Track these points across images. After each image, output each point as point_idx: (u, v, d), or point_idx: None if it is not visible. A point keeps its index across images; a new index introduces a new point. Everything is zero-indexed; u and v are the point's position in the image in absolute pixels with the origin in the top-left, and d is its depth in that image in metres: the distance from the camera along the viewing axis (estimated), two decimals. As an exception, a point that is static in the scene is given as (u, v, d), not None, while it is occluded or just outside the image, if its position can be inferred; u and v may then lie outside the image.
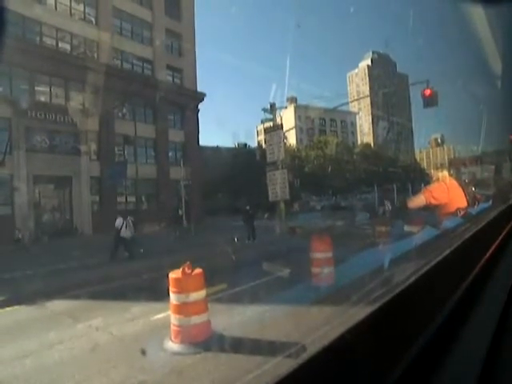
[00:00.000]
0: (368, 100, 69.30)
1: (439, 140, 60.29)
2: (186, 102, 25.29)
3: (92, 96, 21.31)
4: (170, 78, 25.35)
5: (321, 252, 5.12)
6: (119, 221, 12.24)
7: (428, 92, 12.46)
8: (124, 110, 23.03)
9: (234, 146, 40.46)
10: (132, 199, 23.22)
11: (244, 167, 30.63)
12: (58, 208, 20.02)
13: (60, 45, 20.08)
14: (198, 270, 3.60)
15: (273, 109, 15.14)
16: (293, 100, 55.50)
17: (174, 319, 3.54)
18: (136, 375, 2.93)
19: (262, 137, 63.72)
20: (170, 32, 24.91)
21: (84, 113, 20.73)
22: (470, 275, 1.72)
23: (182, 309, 3.46)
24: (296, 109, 56.92)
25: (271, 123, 15.36)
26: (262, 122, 15.81)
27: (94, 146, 21.27)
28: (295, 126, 57.12)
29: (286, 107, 44.08)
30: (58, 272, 8.05)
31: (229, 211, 27.10)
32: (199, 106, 26.57)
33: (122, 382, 2.75)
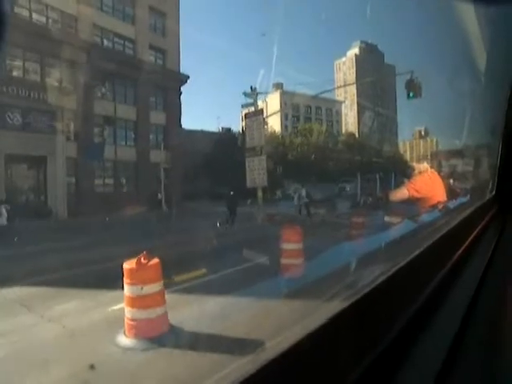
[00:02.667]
0: (354, 89, 69.25)
1: (423, 132, 60.80)
2: (169, 84, 24.62)
3: (70, 73, 20.51)
4: (153, 59, 24.58)
5: (291, 243, 4.95)
6: None
7: (411, 82, 12.38)
8: (103, 90, 22.25)
9: (217, 130, 39.98)
10: (110, 181, 22.67)
11: (227, 152, 30.25)
12: (32, 189, 19.36)
13: (35, 17, 19.10)
14: (154, 260, 3.37)
15: (254, 93, 14.80)
16: (278, 86, 54.90)
17: (127, 312, 3.31)
18: (80, 373, 2.70)
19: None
20: (153, 10, 24.03)
21: (61, 90, 19.92)
22: (440, 272, 1.75)
23: (135, 301, 3.24)
24: (282, 95, 56.36)
25: (252, 108, 15.04)
26: (243, 106, 15.48)
27: (71, 126, 20.54)
28: (280, 112, 56.75)
29: (267, 92, 43.67)
30: (20, 256, 7.69)
31: (211, 196, 26.80)
32: (183, 89, 25.99)
33: (62, 381, 2.53)
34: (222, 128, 40.55)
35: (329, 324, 0.91)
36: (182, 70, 25.60)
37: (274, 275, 5.06)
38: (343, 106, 66.07)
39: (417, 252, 1.60)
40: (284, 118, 57.26)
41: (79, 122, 20.61)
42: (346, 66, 76.64)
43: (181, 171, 25.52)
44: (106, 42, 22.20)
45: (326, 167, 37.19)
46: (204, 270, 5.60)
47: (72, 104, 19.93)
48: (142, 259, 3.27)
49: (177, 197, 24.02)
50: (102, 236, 13.52)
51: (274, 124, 55.06)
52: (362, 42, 76.35)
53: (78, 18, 20.44)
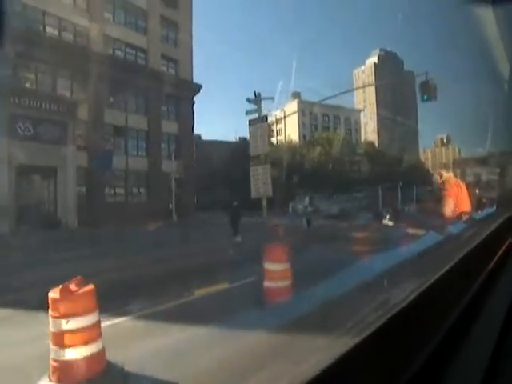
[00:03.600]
0: (373, 98, 68.21)
1: (445, 140, 59.03)
2: (181, 93, 24.49)
3: (81, 84, 20.61)
4: (165, 68, 24.56)
5: (275, 262, 4.27)
6: None
7: (426, 84, 11.56)
8: (114, 100, 22.26)
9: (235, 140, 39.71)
10: (121, 191, 22.53)
11: (241, 162, 29.82)
12: (42, 199, 19.34)
13: (48, 30, 19.30)
14: (87, 287, 2.79)
15: (258, 99, 14.17)
16: (296, 95, 54.50)
17: (51, 351, 2.73)
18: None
19: (264, 132, 62.71)
20: (165, 20, 24.07)
21: (72, 101, 20.01)
22: (470, 289, 1.67)
23: (59, 338, 2.66)
24: (299, 104, 55.90)
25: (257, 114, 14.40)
26: (247, 113, 14.91)
27: (81, 136, 20.55)
28: (298, 122, 56.24)
29: (285, 102, 43.34)
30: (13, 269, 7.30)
31: (224, 206, 26.30)
32: (198, 98, 25.91)
33: None
34: (239, 138, 40.22)
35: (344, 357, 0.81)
36: (201, 81, 25.56)
37: (261, 300, 4.41)
38: (362, 114, 64.96)
39: (446, 268, 1.53)
40: (302, 126, 56.72)
41: (90, 132, 20.62)
42: (365, 75, 75.77)
43: (193, 181, 25.25)
44: (117, 52, 22.26)
45: (343, 177, 36.21)
46: (180, 292, 5.02)
47: (83, 114, 19.97)
48: (72, 286, 2.72)
49: (189, 207, 23.68)
50: (103, 247, 13.21)
51: (292, 133, 54.62)
52: (381, 49, 75.43)
53: (89, 28, 20.58)
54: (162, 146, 24.19)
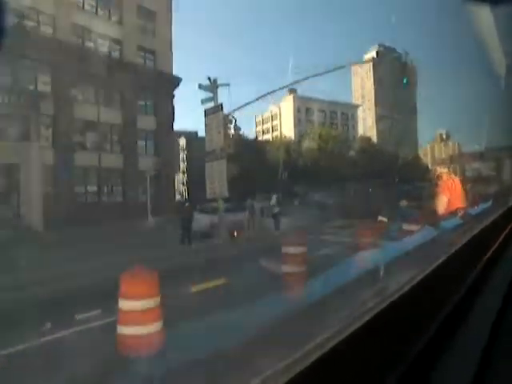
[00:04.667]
0: (371, 94, 66.77)
1: (444, 135, 57.57)
2: (159, 86, 23.08)
3: (46, 76, 19.32)
4: (142, 60, 23.19)
5: (129, 299, 2.90)
6: None
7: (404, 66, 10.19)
8: (85, 93, 20.94)
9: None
10: (93, 190, 21.21)
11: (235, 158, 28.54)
12: (2, 199, 18.05)
13: (8, 17, 17.95)
14: None
15: (213, 85, 12.55)
16: (292, 91, 53.08)
17: None
18: None
19: (260, 127, 61.79)
20: (141, 9, 22.68)
21: (36, 94, 18.69)
22: (463, 285, 1.65)
23: None
24: (295, 99, 54.55)
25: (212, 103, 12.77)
26: (202, 102, 13.27)
27: (47, 132, 19.25)
28: (293, 117, 54.87)
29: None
30: None
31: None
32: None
33: None
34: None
35: None
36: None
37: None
38: (360, 110, 63.33)
39: (438, 262, 1.50)
40: (297, 122, 55.36)
41: (57, 128, 19.32)
42: (363, 70, 74.06)
43: (173, 179, 23.96)
44: (88, 43, 20.85)
45: (335, 173, 34.88)
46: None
47: (49, 109, 18.66)
48: None
49: (167, 207, 22.39)
50: (50, 252, 11.97)
51: (288, 129, 53.34)
52: (379, 45, 73.72)
53: (55, 16, 19.24)
54: (139, 142, 22.83)
